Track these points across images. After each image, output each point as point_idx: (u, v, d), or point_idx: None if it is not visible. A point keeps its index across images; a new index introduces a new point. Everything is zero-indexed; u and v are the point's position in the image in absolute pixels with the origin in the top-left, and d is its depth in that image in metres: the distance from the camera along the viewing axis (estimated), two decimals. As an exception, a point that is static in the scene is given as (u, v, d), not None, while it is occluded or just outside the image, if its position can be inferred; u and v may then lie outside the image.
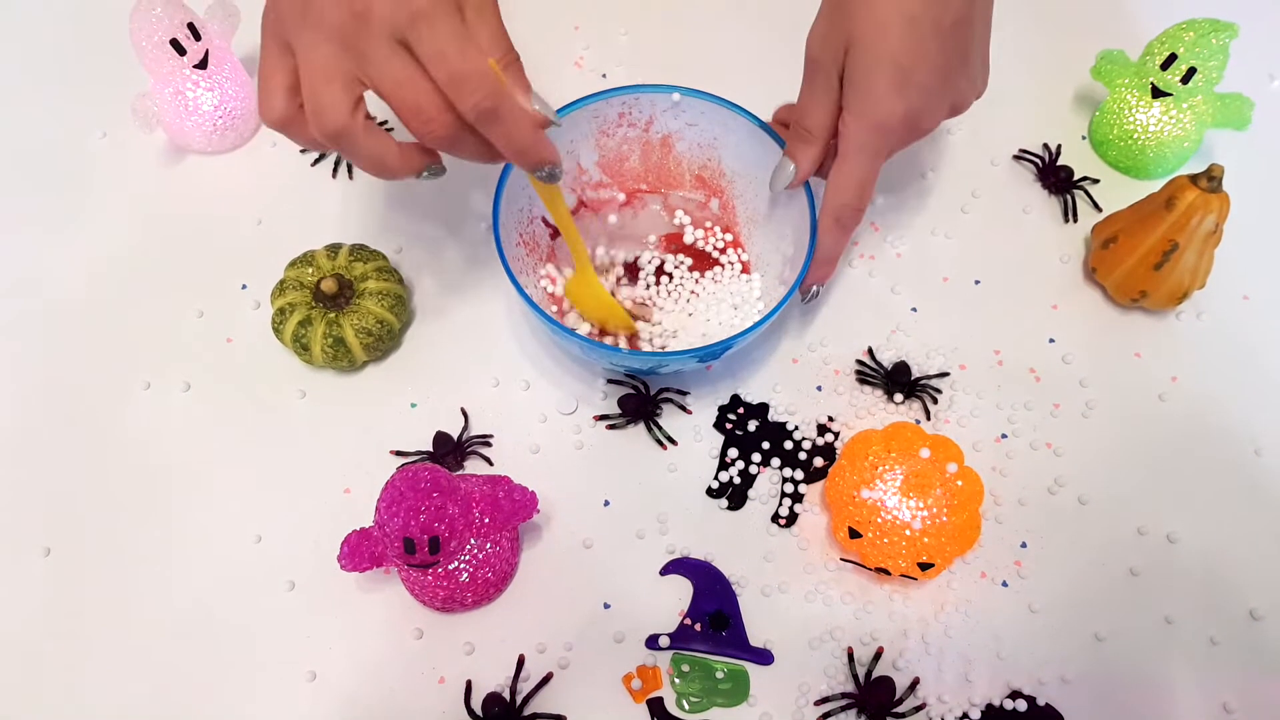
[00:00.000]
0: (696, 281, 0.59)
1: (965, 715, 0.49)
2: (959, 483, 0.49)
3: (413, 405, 0.57)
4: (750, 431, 0.57)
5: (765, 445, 0.56)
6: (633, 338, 0.58)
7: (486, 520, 0.49)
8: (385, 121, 0.67)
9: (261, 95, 0.44)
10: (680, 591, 0.52)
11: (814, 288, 0.55)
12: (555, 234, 0.59)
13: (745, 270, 0.60)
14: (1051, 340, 0.60)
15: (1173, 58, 0.59)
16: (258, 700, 0.50)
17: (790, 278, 0.53)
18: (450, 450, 0.56)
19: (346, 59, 0.42)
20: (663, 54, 0.70)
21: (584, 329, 0.57)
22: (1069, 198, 0.65)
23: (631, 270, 0.60)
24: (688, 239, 0.61)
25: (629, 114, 0.57)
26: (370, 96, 0.44)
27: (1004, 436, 0.57)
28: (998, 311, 0.61)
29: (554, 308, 0.58)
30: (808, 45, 0.51)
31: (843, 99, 0.50)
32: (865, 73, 0.48)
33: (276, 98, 0.44)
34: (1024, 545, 0.54)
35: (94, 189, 0.65)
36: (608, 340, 0.58)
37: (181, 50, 0.60)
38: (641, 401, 0.57)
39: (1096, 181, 0.65)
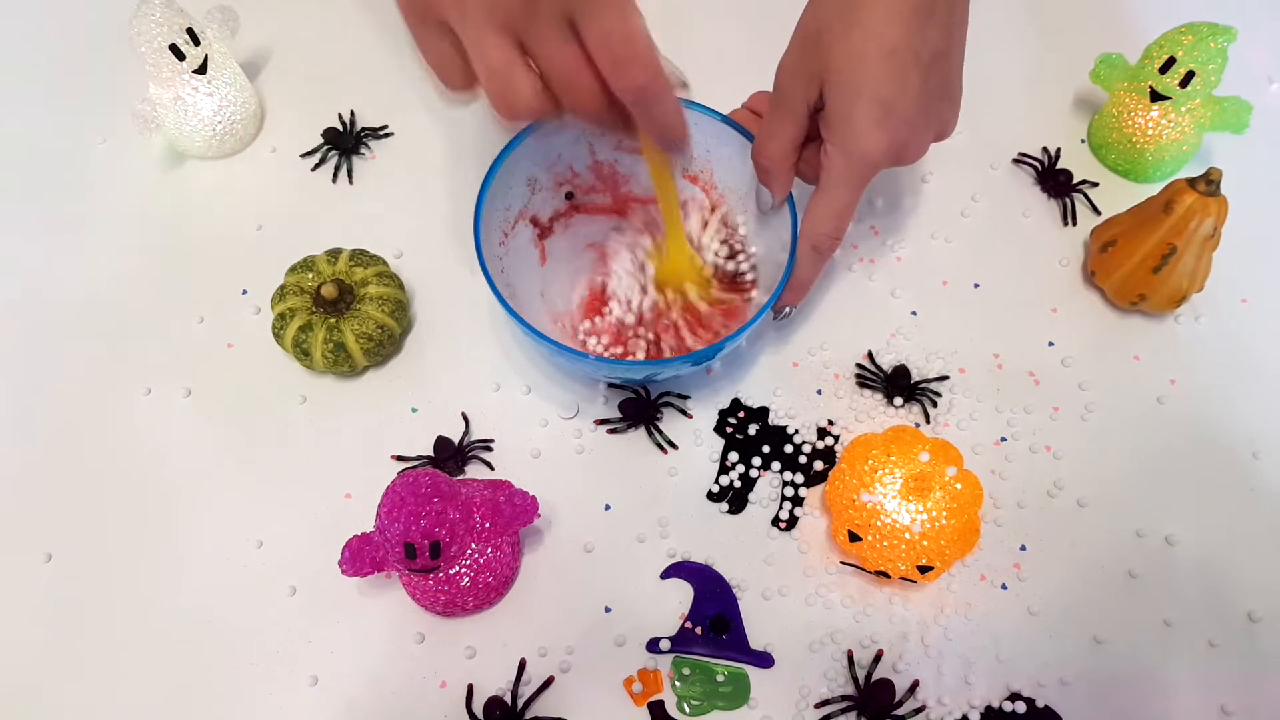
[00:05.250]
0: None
1: (965, 717, 0.49)
2: (958, 486, 0.50)
3: (413, 410, 0.57)
4: (751, 435, 0.57)
5: (765, 449, 0.56)
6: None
7: (487, 525, 0.49)
8: (385, 127, 0.67)
9: (445, 79, 0.47)
10: (681, 595, 0.53)
11: (787, 308, 0.55)
12: (543, 234, 0.59)
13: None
14: (1051, 343, 0.60)
15: (1171, 61, 0.59)
16: (259, 705, 0.50)
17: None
18: (451, 455, 0.56)
19: (515, 36, 0.44)
20: (670, 60, 0.70)
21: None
22: (1068, 201, 0.65)
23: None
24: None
25: None
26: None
27: (1003, 440, 0.57)
28: (997, 315, 0.61)
29: (568, 335, 0.57)
30: (777, 75, 0.50)
31: (824, 131, 0.49)
32: (845, 107, 0.47)
33: (459, 80, 0.47)
34: (1023, 548, 0.54)
35: (94, 195, 0.65)
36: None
37: (181, 55, 0.60)
38: (642, 405, 0.57)
39: (1095, 185, 0.65)
